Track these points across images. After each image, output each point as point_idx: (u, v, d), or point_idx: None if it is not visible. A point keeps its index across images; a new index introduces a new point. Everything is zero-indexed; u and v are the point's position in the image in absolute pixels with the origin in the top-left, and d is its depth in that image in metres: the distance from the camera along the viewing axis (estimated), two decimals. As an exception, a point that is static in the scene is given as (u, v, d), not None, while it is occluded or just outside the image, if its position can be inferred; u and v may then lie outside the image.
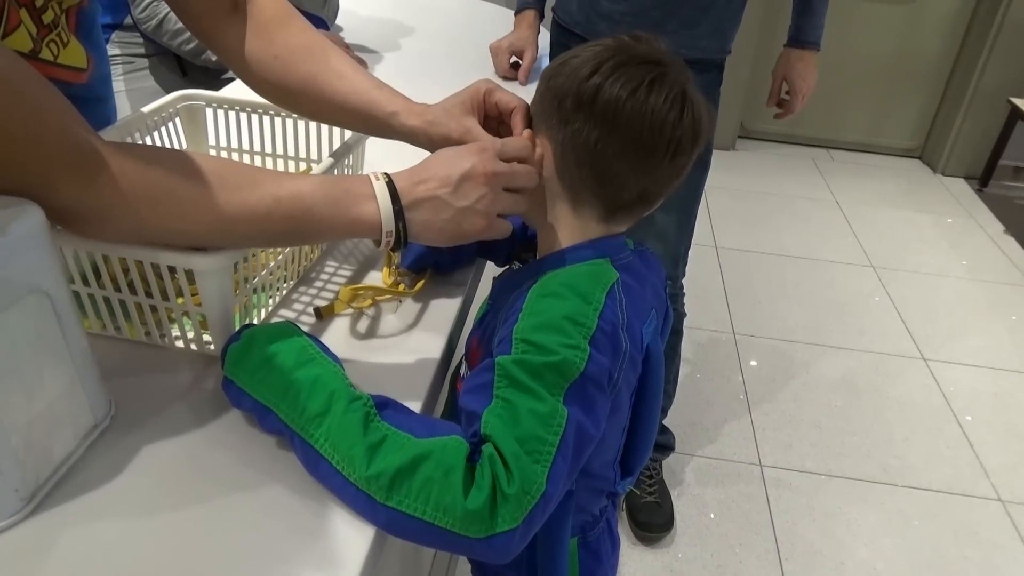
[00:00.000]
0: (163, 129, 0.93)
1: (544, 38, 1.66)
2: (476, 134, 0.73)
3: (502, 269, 0.84)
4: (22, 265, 0.51)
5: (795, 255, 2.92)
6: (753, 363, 2.30)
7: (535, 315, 0.60)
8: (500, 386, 0.57)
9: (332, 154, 0.85)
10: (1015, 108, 3.34)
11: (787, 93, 1.62)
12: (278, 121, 0.99)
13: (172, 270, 0.67)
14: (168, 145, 0.95)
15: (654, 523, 1.71)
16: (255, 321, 0.77)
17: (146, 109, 0.90)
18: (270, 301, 0.80)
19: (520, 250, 0.84)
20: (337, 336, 0.77)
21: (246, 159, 1.02)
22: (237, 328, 0.72)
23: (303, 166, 1.00)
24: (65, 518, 0.56)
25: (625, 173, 0.66)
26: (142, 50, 1.60)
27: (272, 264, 0.77)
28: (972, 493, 1.90)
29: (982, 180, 3.63)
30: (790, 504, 1.83)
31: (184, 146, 0.98)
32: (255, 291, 0.75)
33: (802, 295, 2.66)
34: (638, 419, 0.72)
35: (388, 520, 0.54)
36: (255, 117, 0.99)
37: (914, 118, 3.84)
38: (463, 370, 0.72)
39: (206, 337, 0.72)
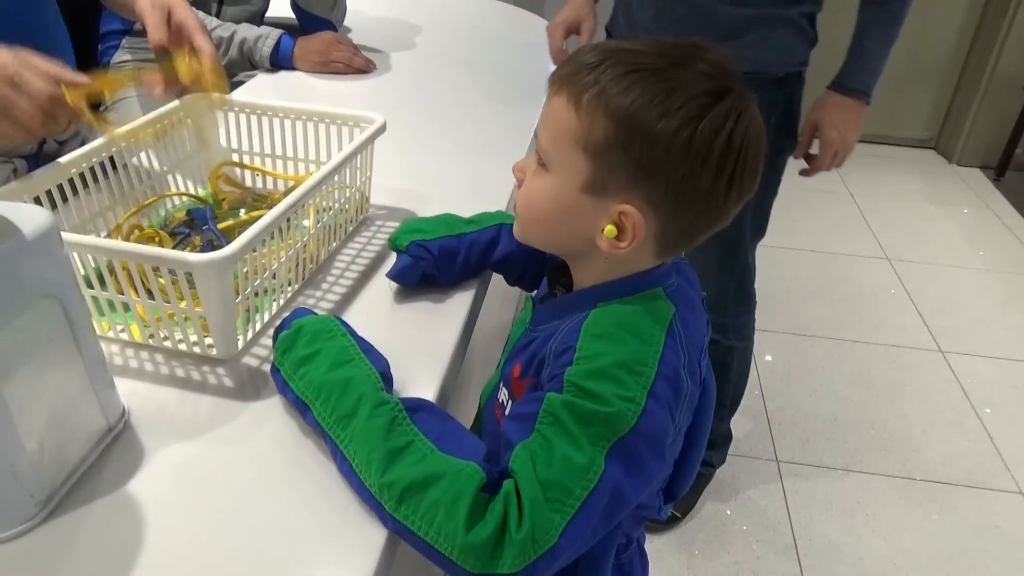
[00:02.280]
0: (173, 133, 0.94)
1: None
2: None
3: (540, 292, 0.79)
4: (34, 270, 0.52)
5: (809, 248, 2.90)
6: (768, 358, 2.29)
7: (590, 359, 0.56)
8: (544, 422, 0.55)
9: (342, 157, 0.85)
10: (1031, 96, 3.30)
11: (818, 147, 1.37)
12: (287, 123, 0.99)
13: (172, 272, 0.67)
14: (177, 147, 0.96)
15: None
16: (259, 325, 0.77)
17: (155, 114, 0.91)
18: (273, 304, 0.80)
19: (540, 272, 0.81)
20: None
21: (257, 161, 1.03)
22: (239, 332, 0.73)
23: (312, 168, 1.00)
24: (79, 523, 0.56)
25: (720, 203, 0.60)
26: (152, 55, 1.60)
27: (275, 266, 0.77)
28: (992, 486, 1.88)
29: (998, 170, 3.58)
30: (808, 499, 1.81)
31: (191, 148, 0.98)
32: (257, 294, 0.75)
33: (817, 289, 2.64)
34: (686, 447, 0.69)
35: (396, 529, 0.54)
36: (265, 120, 0.99)
37: (928, 108, 3.80)
38: (502, 396, 0.69)
39: (208, 340, 0.72)
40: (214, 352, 0.72)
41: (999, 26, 3.41)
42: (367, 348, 0.65)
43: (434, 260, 0.82)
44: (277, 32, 1.54)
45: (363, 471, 0.56)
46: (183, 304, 0.70)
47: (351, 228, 0.97)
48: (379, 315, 0.82)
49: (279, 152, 1.01)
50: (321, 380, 0.61)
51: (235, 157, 1.03)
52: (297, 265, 0.83)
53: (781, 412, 2.07)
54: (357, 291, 0.86)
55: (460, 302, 0.84)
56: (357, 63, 1.56)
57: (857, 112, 1.33)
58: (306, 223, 0.85)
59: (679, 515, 1.73)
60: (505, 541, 0.50)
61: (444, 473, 0.53)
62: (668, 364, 0.57)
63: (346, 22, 1.82)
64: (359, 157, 0.91)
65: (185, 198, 0.97)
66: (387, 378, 0.63)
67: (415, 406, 0.60)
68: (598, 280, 0.64)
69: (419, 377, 0.72)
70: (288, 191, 0.82)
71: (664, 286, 0.63)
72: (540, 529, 0.51)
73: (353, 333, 0.67)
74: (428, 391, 0.71)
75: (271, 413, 0.67)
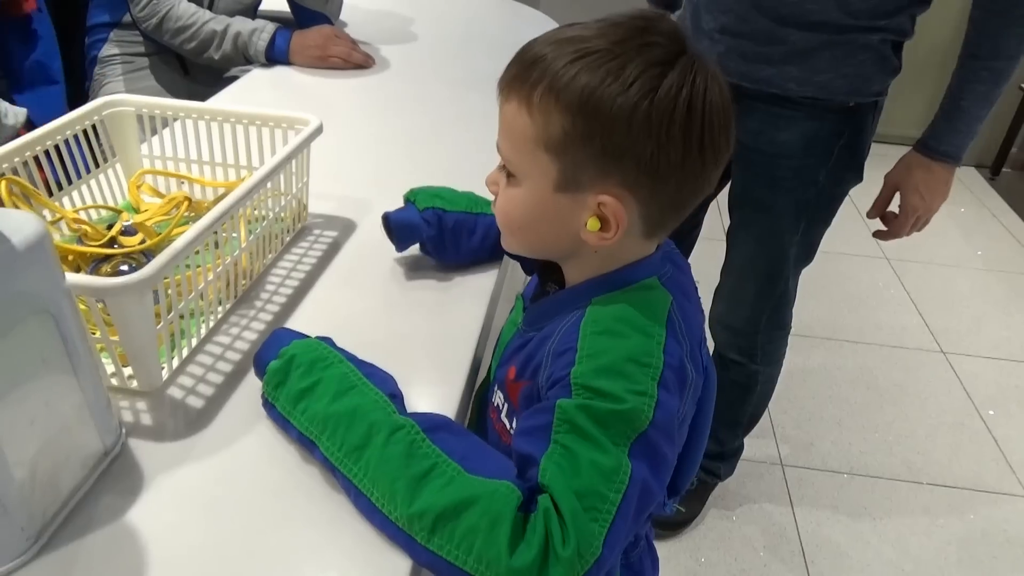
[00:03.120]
0: (80, 138, 0.84)
1: None
2: None
3: (530, 290, 0.76)
4: (25, 283, 0.47)
5: (807, 248, 2.87)
6: (769, 359, 2.26)
7: (595, 357, 0.54)
8: (560, 431, 0.52)
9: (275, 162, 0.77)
10: (1027, 95, 3.29)
11: (898, 208, 1.26)
12: (215, 127, 0.92)
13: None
14: (93, 155, 0.87)
15: (669, 520, 1.67)
16: (184, 351, 0.70)
17: (60, 120, 0.82)
18: (203, 327, 0.73)
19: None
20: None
21: (182, 168, 0.94)
22: (162, 360, 0.67)
23: (243, 173, 0.93)
24: (74, 558, 0.51)
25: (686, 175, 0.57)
26: (142, 49, 1.55)
27: (202, 286, 0.70)
28: (998, 490, 1.86)
29: (993, 169, 3.58)
30: (814, 504, 1.78)
31: (110, 156, 0.89)
32: (182, 316, 0.68)
33: (817, 289, 2.62)
34: (690, 439, 0.67)
35: (430, 562, 0.50)
36: (190, 123, 0.92)
37: (923, 106, 3.77)
38: (497, 400, 0.66)
39: (127, 372, 0.65)
40: (135, 384, 0.66)
41: (995, 24, 3.40)
42: (370, 372, 0.61)
43: (440, 235, 0.82)
44: (272, 26, 1.48)
45: (386, 504, 0.52)
46: (96, 333, 0.62)
47: (288, 238, 0.91)
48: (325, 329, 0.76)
49: (207, 158, 0.94)
50: (325, 413, 0.57)
51: (160, 164, 0.94)
52: (228, 284, 0.76)
53: (784, 415, 2.04)
54: (295, 304, 0.80)
55: (472, 303, 0.80)
56: (356, 58, 1.51)
57: (945, 178, 1.21)
58: (235, 236, 0.77)
59: (683, 509, 1.70)
60: (550, 561, 0.48)
61: (478, 496, 0.50)
62: (673, 354, 0.56)
63: (342, 16, 1.77)
64: (294, 162, 0.85)
65: (103, 212, 0.88)
66: (397, 398, 0.59)
67: (432, 425, 0.56)
68: (592, 275, 0.62)
69: (431, 395, 0.68)
70: (218, 199, 0.74)
71: (659, 275, 0.61)
72: (584, 542, 0.48)
73: (352, 357, 0.62)
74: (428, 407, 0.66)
75: (274, 436, 0.63)
